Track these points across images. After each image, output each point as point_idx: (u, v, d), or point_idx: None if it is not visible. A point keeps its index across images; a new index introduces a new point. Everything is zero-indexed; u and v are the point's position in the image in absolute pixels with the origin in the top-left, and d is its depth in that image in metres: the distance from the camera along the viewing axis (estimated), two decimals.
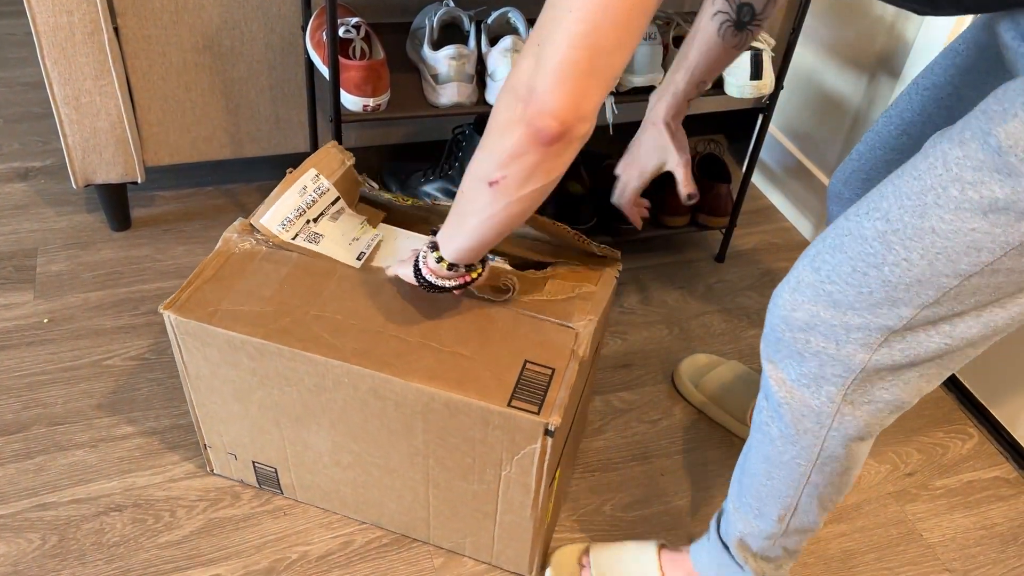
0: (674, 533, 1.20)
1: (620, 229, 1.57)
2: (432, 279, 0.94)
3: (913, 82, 0.98)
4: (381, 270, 1.07)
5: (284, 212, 1.07)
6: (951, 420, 1.43)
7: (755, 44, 1.41)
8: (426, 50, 1.33)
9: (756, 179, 1.98)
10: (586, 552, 1.11)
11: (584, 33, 0.66)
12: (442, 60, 1.29)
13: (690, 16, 1.60)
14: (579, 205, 1.55)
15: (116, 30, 1.37)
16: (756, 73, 1.41)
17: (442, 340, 0.98)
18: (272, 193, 1.07)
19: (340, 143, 1.22)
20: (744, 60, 1.40)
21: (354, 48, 1.31)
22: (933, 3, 0.74)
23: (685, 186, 1.12)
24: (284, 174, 1.09)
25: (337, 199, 1.12)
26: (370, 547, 1.14)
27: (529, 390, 0.93)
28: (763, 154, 1.95)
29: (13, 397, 1.29)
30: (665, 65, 1.43)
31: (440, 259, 0.91)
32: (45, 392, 1.30)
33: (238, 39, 1.45)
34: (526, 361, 0.97)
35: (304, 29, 1.39)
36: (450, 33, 1.41)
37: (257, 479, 1.18)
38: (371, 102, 1.26)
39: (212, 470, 1.21)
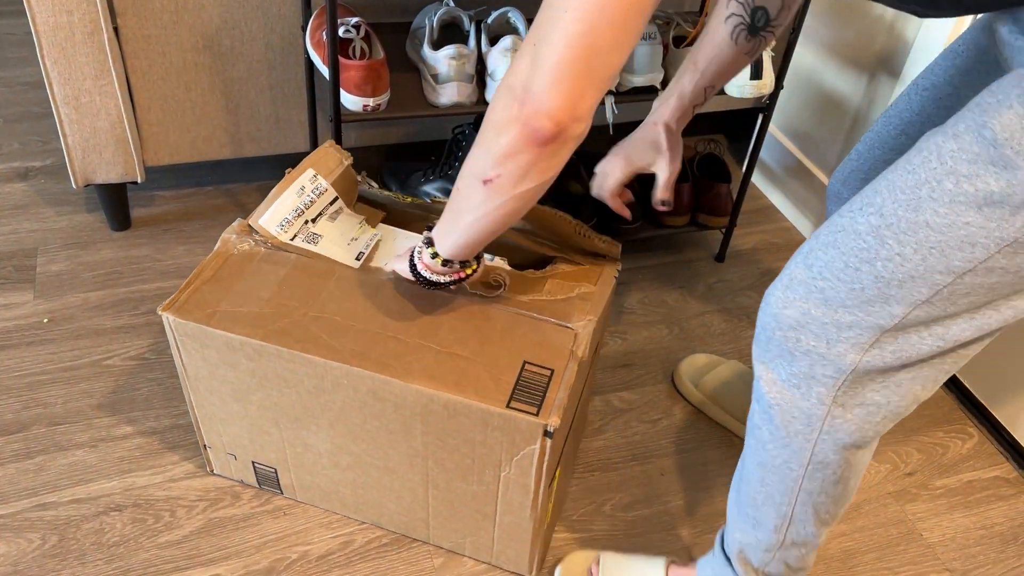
0: (673, 533, 1.20)
1: (620, 229, 1.57)
2: (427, 274, 0.95)
3: (913, 82, 0.98)
4: (380, 270, 1.07)
5: (282, 213, 1.07)
6: (951, 420, 1.43)
7: None
8: (426, 50, 1.33)
9: (756, 179, 1.98)
10: (596, 561, 1.10)
11: (581, 33, 0.66)
12: (442, 60, 1.29)
13: (690, 16, 1.60)
14: (579, 205, 1.55)
15: (116, 30, 1.37)
16: (756, 73, 1.41)
17: (441, 341, 0.98)
18: (270, 194, 1.07)
19: (340, 143, 1.22)
20: None
21: (354, 48, 1.31)
22: (934, 4, 0.74)
23: (662, 191, 1.09)
24: (284, 174, 1.09)
25: (335, 199, 1.12)
26: (370, 547, 1.14)
27: (528, 391, 0.93)
28: (763, 154, 1.95)
29: (13, 397, 1.29)
30: (665, 65, 1.43)
31: (435, 255, 0.92)
32: (45, 392, 1.30)
33: (238, 39, 1.45)
34: (525, 362, 0.97)
35: (304, 29, 1.39)
36: (450, 33, 1.41)
37: (257, 479, 1.18)
38: (371, 102, 1.26)
39: (212, 470, 1.21)
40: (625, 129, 1.56)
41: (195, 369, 1.05)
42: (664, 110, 1.07)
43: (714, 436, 1.35)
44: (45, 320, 1.42)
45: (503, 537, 1.08)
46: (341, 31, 1.26)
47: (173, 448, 1.24)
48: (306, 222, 1.08)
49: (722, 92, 1.45)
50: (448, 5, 1.39)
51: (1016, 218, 0.66)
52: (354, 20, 1.28)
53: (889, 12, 1.54)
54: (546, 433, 0.91)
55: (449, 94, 1.31)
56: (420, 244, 0.94)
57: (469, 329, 1.00)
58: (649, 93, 1.42)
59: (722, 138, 2.10)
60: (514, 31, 1.40)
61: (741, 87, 1.42)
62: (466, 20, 1.39)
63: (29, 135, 1.85)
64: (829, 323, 0.76)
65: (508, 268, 1.09)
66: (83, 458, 1.21)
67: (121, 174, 1.50)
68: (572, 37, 0.66)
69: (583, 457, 1.30)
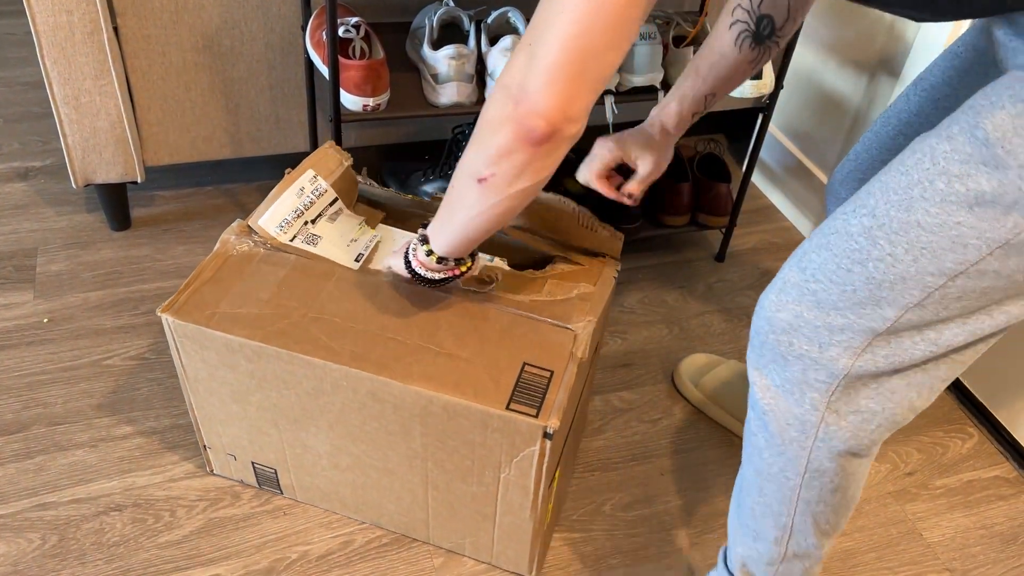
0: (673, 533, 1.20)
1: (620, 228, 1.57)
2: (422, 271, 0.95)
3: (912, 83, 0.98)
4: (380, 271, 1.07)
5: (282, 214, 1.07)
6: (951, 420, 1.43)
7: None
8: (426, 50, 1.33)
9: (756, 179, 1.98)
10: None
11: (576, 35, 0.66)
12: (442, 60, 1.29)
13: (690, 16, 1.60)
14: (578, 204, 1.55)
15: (116, 30, 1.37)
16: (756, 73, 1.41)
17: (440, 342, 0.98)
18: (270, 194, 1.07)
19: (340, 143, 1.22)
20: None
21: (354, 48, 1.30)
22: (933, 10, 0.74)
23: (635, 184, 1.08)
24: (284, 174, 1.09)
25: (335, 200, 1.12)
26: (370, 547, 1.14)
27: (528, 392, 0.93)
28: (763, 154, 1.95)
29: (13, 397, 1.29)
30: (665, 65, 1.43)
31: (430, 252, 0.92)
32: (45, 392, 1.30)
33: (238, 39, 1.45)
34: (525, 363, 0.97)
35: (304, 29, 1.39)
36: (450, 33, 1.41)
37: (257, 479, 1.18)
38: (371, 102, 1.26)
39: (212, 470, 1.21)
40: (624, 129, 1.55)
41: (194, 370, 1.05)
42: (663, 114, 1.07)
43: (714, 436, 1.35)
44: (45, 320, 1.42)
45: (503, 537, 1.08)
46: (341, 31, 1.26)
47: (173, 448, 1.24)
48: (306, 223, 1.08)
49: None
50: (448, 5, 1.39)
51: (1007, 219, 0.65)
52: (354, 20, 1.28)
53: (888, 13, 1.54)
54: (546, 435, 0.91)
55: (449, 94, 1.31)
56: (415, 241, 0.95)
57: (469, 330, 1.00)
58: (649, 93, 1.42)
59: (722, 138, 2.10)
60: (514, 31, 1.40)
61: (741, 87, 1.42)
62: (466, 20, 1.38)
63: (29, 135, 1.85)
64: (821, 326, 0.76)
65: (507, 268, 1.09)
66: (83, 458, 1.22)
67: (121, 174, 1.50)
68: (567, 38, 0.66)
69: (583, 457, 1.30)
